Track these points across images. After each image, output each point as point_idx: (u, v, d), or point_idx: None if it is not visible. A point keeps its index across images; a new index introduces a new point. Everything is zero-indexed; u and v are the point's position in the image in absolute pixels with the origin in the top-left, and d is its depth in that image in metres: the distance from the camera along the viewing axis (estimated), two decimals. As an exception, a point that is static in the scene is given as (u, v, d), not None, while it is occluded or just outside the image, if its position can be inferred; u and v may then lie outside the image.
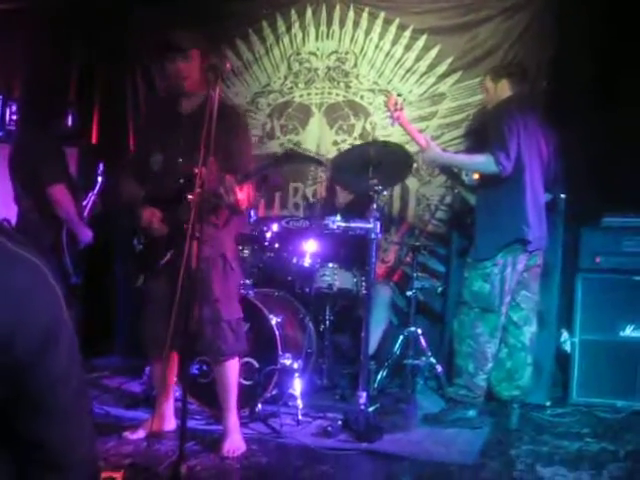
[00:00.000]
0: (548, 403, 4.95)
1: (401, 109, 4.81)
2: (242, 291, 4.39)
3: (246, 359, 4.30)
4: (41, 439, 1.32)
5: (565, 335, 5.13)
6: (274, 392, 4.43)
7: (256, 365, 4.37)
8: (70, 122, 6.01)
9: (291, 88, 6.21)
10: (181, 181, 3.66)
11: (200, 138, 3.29)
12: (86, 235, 4.87)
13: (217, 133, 3.28)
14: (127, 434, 3.96)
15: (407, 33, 5.88)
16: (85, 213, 5.09)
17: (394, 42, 5.93)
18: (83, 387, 1.38)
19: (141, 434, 3.97)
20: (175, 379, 4.15)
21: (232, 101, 5.98)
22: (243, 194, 3.41)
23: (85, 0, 6.43)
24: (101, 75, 6.61)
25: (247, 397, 4.28)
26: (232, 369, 3.91)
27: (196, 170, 3.07)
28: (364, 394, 4.22)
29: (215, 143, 3.26)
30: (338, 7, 6.08)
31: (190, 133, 3.67)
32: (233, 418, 3.91)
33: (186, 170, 3.58)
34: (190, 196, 3.40)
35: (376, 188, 4.39)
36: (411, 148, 5.13)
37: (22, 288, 1.24)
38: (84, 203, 5.13)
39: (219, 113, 3.33)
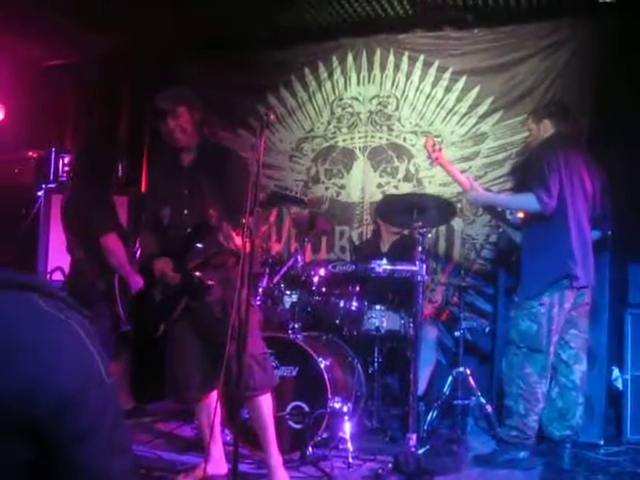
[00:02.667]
0: (601, 442, 4.86)
1: (439, 150, 4.87)
2: (291, 335, 4.44)
3: (296, 403, 4.33)
4: None
5: (616, 372, 5.06)
6: (324, 435, 4.43)
7: (306, 409, 4.39)
8: (120, 171, 6.19)
9: (334, 133, 6.31)
10: (188, 231, 3.84)
11: (201, 186, 3.64)
12: (137, 282, 4.96)
13: (222, 179, 3.56)
14: (180, 478, 4.01)
15: (447, 75, 5.96)
16: (134, 260, 5.21)
17: (434, 84, 6.01)
18: (115, 441, 1.37)
19: (193, 478, 4.01)
20: (221, 422, 4.19)
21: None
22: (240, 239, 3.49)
23: (133, 54, 6.63)
24: (150, 125, 6.78)
25: (297, 441, 4.30)
26: (265, 405, 3.89)
27: (243, 220, 3.14)
28: (414, 436, 4.20)
29: (222, 189, 3.55)
30: (379, 52, 6.19)
31: (192, 184, 3.91)
32: (275, 455, 3.88)
33: (191, 220, 3.84)
34: (199, 245, 3.64)
35: (421, 231, 4.43)
36: (455, 189, 5.17)
37: (46, 346, 1.27)
38: (134, 250, 5.25)
39: (222, 159, 3.64)
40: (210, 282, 3.76)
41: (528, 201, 4.38)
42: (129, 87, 6.92)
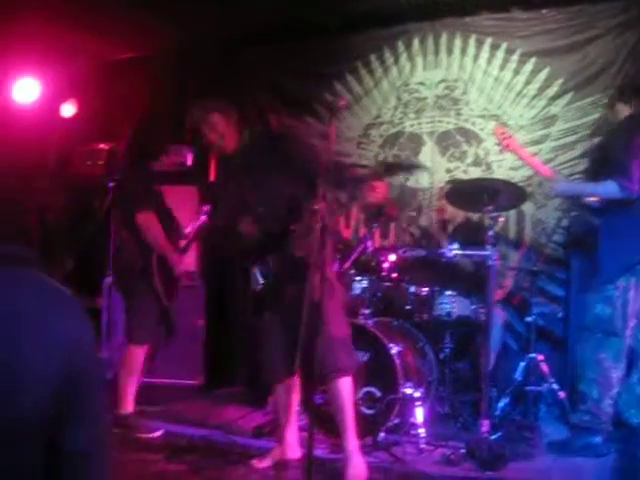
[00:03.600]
0: (680, 429, 4.76)
1: (510, 137, 4.80)
2: (362, 321, 4.46)
3: (367, 389, 4.35)
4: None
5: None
6: (396, 421, 4.45)
7: (377, 394, 4.41)
8: (189, 161, 6.28)
9: (401, 118, 6.28)
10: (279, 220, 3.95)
11: (260, 180, 3.80)
12: (177, 263, 5.04)
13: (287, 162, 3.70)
14: (254, 462, 4.07)
15: (515, 57, 5.88)
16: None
17: (502, 67, 5.93)
18: (92, 415, 1.45)
19: (268, 462, 4.07)
20: (298, 407, 4.24)
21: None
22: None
23: (201, 45, 6.72)
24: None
25: (369, 426, 4.31)
26: (346, 388, 3.91)
27: (316, 206, 3.17)
28: (486, 422, 4.18)
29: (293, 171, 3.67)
30: (445, 35, 6.13)
31: (253, 181, 4.01)
32: (352, 440, 3.89)
33: (270, 214, 3.96)
34: (294, 231, 3.78)
35: (491, 215, 4.39)
36: (525, 172, 5.10)
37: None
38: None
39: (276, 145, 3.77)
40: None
41: (610, 189, 4.30)
42: (197, 78, 7.00)
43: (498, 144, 4.90)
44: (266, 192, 3.98)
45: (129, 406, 4.77)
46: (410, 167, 4.41)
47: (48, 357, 1.35)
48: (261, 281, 4.03)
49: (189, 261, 5.51)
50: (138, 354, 4.81)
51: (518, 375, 5.04)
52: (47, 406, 1.34)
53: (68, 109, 6.58)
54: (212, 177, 6.67)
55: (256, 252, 4.03)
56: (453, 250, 4.51)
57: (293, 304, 3.81)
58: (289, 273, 3.93)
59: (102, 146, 6.75)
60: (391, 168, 3.85)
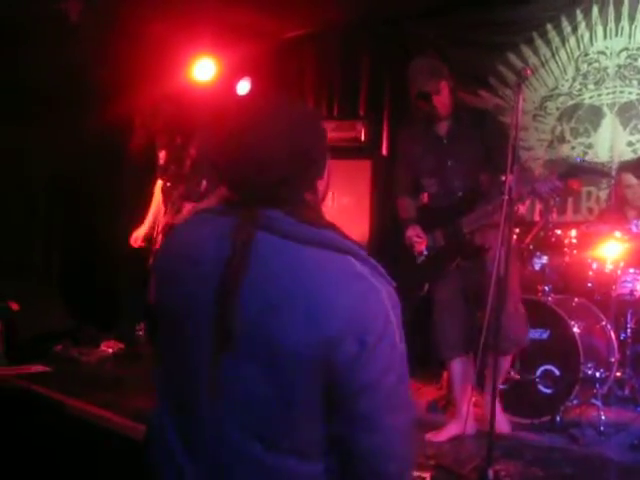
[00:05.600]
0: None
1: None
2: (542, 297, 4.37)
3: (546, 367, 4.25)
4: (348, 446, 1.47)
5: None
6: (575, 402, 4.32)
7: (557, 373, 4.30)
8: (362, 135, 6.33)
9: (580, 90, 6.04)
10: (460, 194, 4.04)
11: (464, 154, 3.88)
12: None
13: (484, 143, 3.80)
14: (430, 436, 4.07)
15: None
16: None
17: (690, 32, 5.58)
18: (395, 400, 1.49)
19: (443, 437, 4.06)
20: (472, 383, 4.20)
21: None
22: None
23: (371, 21, 6.74)
24: (389, 88, 6.86)
25: (548, 406, 4.22)
26: (508, 362, 4.08)
27: (503, 177, 3.13)
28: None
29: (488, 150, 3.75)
30: (627, 1, 5.82)
31: (456, 154, 4.03)
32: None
33: (462, 189, 4.03)
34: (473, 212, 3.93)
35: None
36: None
37: (354, 302, 1.43)
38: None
39: (480, 123, 3.89)
40: (486, 246, 3.91)
41: None
42: (368, 55, 7.03)
43: None
44: (464, 165, 4.02)
45: None
46: (593, 172, 4.37)
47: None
48: (425, 253, 4.08)
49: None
50: None
51: None
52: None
53: (244, 87, 6.76)
54: (385, 151, 6.70)
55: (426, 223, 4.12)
56: (639, 226, 4.31)
57: (469, 278, 3.85)
58: (455, 248, 4.01)
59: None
60: (571, 171, 3.73)
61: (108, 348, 5.94)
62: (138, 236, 4.99)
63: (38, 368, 5.14)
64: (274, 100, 1.63)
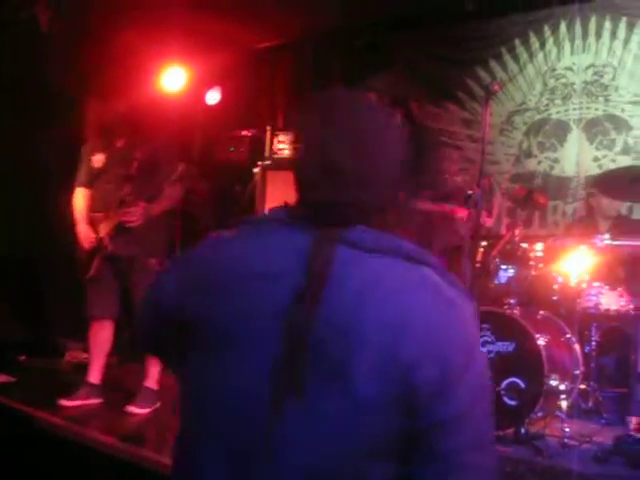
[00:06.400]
0: None
1: None
2: (507, 310, 4.40)
3: (511, 379, 4.27)
4: None
5: None
6: (539, 414, 4.34)
7: (522, 386, 4.32)
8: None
9: (547, 105, 6.12)
10: None
11: None
12: None
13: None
14: None
15: (669, 40, 5.61)
16: None
17: (656, 50, 5.68)
18: (484, 436, 1.32)
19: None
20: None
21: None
22: None
23: (344, 33, 6.77)
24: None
25: (512, 418, 4.23)
26: None
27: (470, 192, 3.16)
28: (634, 419, 4.03)
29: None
30: (594, 19, 5.92)
31: None
32: None
33: None
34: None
35: (647, 204, 4.22)
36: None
37: (439, 324, 1.30)
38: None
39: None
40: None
41: None
42: (341, 66, 7.06)
43: None
44: None
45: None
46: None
47: None
48: None
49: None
50: None
51: (669, 372, 4.83)
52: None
53: (213, 97, 6.76)
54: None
55: None
56: (605, 240, 4.35)
57: None
58: None
59: (245, 133, 6.90)
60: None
61: (73, 358, 5.88)
62: (88, 236, 4.85)
63: (2, 378, 5.07)
64: (367, 100, 1.49)
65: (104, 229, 4.64)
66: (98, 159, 4.79)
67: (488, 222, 5.73)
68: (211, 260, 1.46)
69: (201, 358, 1.39)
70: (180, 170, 4.45)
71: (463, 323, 1.32)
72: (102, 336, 4.74)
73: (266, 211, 1.56)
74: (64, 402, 4.52)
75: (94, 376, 4.71)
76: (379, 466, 1.28)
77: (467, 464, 1.27)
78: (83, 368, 4.97)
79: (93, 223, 4.73)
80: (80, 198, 4.83)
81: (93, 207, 4.78)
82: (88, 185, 4.82)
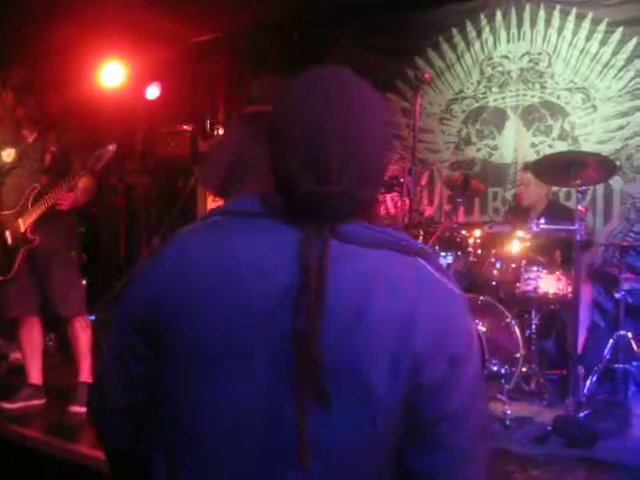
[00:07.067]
0: None
1: None
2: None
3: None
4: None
5: None
6: (481, 397, 4.40)
7: (463, 370, 4.37)
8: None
9: (485, 93, 6.20)
10: None
11: None
12: None
13: None
14: None
15: (601, 27, 5.72)
16: None
17: (588, 38, 5.79)
18: (485, 425, 1.31)
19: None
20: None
21: None
22: None
23: (281, 24, 6.75)
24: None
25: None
26: None
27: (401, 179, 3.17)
28: (574, 400, 4.12)
29: None
30: (528, 7, 6.01)
31: None
32: None
33: None
34: None
35: (580, 189, 4.29)
36: (612, 146, 4.96)
37: (444, 316, 1.26)
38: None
39: None
40: None
41: None
42: (280, 59, 7.05)
43: None
44: None
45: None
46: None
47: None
48: None
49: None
50: None
51: (607, 353, 4.92)
52: None
53: (152, 92, 6.70)
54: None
55: None
56: (540, 225, 4.41)
57: None
58: None
59: (186, 128, 6.86)
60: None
61: (18, 359, 5.78)
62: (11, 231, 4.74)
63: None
64: (358, 82, 1.35)
65: (25, 223, 4.55)
66: (8, 154, 4.70)
67: (429, 210, 5.80)
68: (190, 261, 1.30)
69: (187, 374, 1.26)
70: (93, 162, 4.38)
71: (463, 312, 1.30)
72: (32, 334, 4.67)
73: (232, 201, 1.39)
74: (5, 405, 4.46)
75: (34, 376, 4.64)
76: (394, 462, 1.26)
77: (476, 454, 1.27)
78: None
79: (6, 221, 4.62)
80: None
81: (6, 204, 4.66)
82: None
